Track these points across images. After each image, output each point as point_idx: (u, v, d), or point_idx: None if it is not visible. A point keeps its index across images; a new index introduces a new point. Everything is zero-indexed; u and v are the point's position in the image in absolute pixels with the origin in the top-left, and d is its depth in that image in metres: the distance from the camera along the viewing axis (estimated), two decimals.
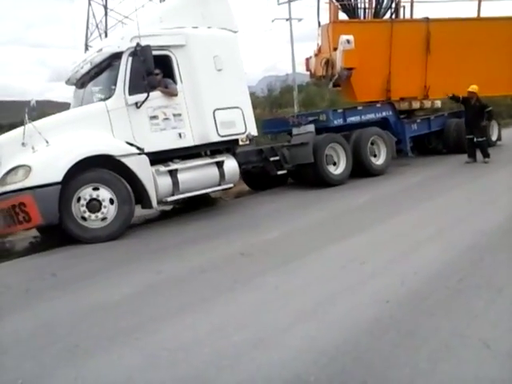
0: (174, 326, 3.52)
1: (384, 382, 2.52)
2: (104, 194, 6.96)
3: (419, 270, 4.15)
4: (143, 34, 7.33)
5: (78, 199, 6.82)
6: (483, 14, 13.06)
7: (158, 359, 3.03)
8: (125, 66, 7.50)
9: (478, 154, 11.09)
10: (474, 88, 10.99)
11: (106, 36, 47.09)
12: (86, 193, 6.86)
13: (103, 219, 6.96)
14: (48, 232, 7.47)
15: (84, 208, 6.84)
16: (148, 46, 7.29)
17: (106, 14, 46.16)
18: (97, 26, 46.97)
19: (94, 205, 6.89)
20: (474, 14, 13.04)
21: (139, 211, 8.93)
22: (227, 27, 8.58)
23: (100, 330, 3.61)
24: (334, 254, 4.95)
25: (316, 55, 12.52)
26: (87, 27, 47.18)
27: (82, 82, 8.65)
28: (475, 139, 11.00)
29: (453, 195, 7.58)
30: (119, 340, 3.39)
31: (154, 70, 7.43)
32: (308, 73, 13.47)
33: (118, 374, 2.92)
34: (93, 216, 6.89)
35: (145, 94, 7.41)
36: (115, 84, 7.52)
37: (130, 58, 7.50)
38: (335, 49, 11.23)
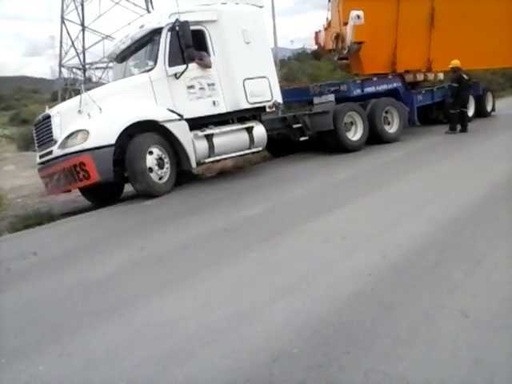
0: (158, 302, 3.53)
1: (366, 352, 2.57)
2: (159, 153, 7.78)
3: (400, 243, 4.20)
4: (180, 10, 8.03)
5: (150, 169, 7.58)
6: None
7: (142, 335, 3.05)
8: (164, 41, 8.22)
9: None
10: (455, 63, 11.45)
11: (82, 9, 45.95)
12: (151, 159, 7.63)
13: (164, 176, 7.81)
14: (88, 193, 8.50)
15: (160, 171, 7.72)
16: (186, 22, 8.05)
17: None
18: None
19: (160, 163, 7.76)
20: None
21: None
22: (254, 3, 9.26)
23: (84, 308, 3.61)
24: (315, 229, 4.98)
25: (326, 29, 12.89)
26: None
27: (122, 57, 9.39)
28: (455, 110, 11.64)
29: (436, 168, 7.66)
30: (104, 317, 3.39)
31: (192, 44, 8.12)
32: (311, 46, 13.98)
33: (103, 350, 2.93)
34: (165, 170, 7.82)
35: (183, 66, 8.18)
36: (156, 57, 8.26)
37: (169, 33, 8.21)
38: (345, 23, 11.50)
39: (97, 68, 46.98)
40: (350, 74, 15.71)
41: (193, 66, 8.29)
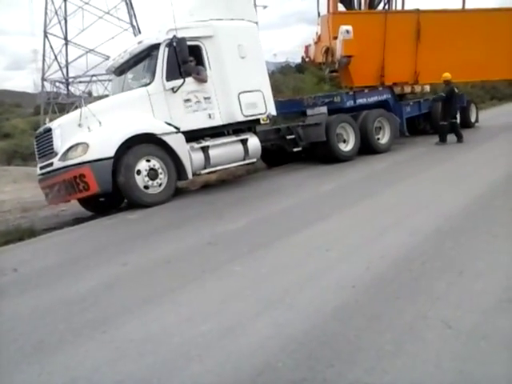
0: (142, 317, 3.49)
1: (351, 365, 2.56)
2: (156, 164, 8.04)
3: (384, 254, 4.22)
4: (178, 26, 8.29)
5: (138, 171, 7.85)
6: (468, 7, 14.26)
7: (125, 351, 3.00)
8: (162, 56, 8.47)
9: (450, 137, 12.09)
10: (445, 76, 11.96)
11: (65, 23, 45.86)
12: (144, 165, 7.91)
13: (159, 185, 8.05)
14: (88, 205, 8.75)
15: (147, 178, 7.91)
16: (183, 38, 8.31)
17: (65, 0, 44.87)
18: (56, 12, 45.68)
19: (152, 174, 7.97)
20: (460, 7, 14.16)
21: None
22: (248, 18, 9.59)
23: (65, 325, 3.54)
24: (299, 242, 4.98)
25: (315, 43, 13.36)
26: (46, 13, 45.83)
27: (120, 70, 9.71)
28: (445, 122, 12.03)
29: (420, 178, 7.80)
30: (85, 334, 3.33)
31: (188, 59, 8.44)
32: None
33: (85, 367, 2.88)
34: (154, 183, 7.98)
35: (180, 80, 8.43)
36: (154, 71, 8.50)
37: (167, 49, 8.46)
38: (335, 38, 11.93)
39: (80, 82, 46.79)
40: (334, 87, 16.06)
41: (189, 80, 8.54)
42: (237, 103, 9.00)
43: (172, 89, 8.42)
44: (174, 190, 8.36)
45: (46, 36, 46.12)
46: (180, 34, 8.31)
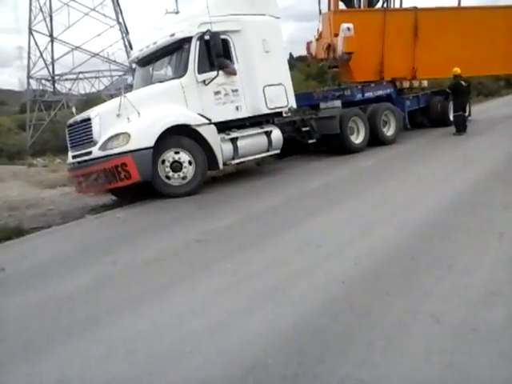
0: (132, 316, 3.48)
1: (341, 360, 2.58)
2: (184, 157, 8.21)
3: (373, 250, 4.25)
4: (209, 20, 8.48)
5: (163, 161, 8.08)
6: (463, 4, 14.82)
7: (116, 350, 2.99)
8: (194, 49, 8.73)
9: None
10: (455, 71, 12.36)
11: (50, 19, 45.29)
12: (170, 156, 8.13)
13: (183, 178, 8.20)
14: (121, 195, 8.86)
15: (168, 168, 8.11)
16: (217, 32, 8.59)
17: None
18: (41, 9, 45.05)
19: (176, 166, 8.16)
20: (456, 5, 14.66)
21: (91, 204, 8.75)
22: (271, 14, 9.83)
23: (55, 324, 3.52)
24: (289, 238, 4.99)
25: (317, 40, 13.77)
26: (30, 10, 45.19)
27: (145, 62, 9.94)
28: (458, 113, 12.63)
29: (408, 175, 7.88)
30: (75, 333, 3.31)
31: (222, 53, 8.66)
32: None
33: (75, 366, 2.87)
34: (175, 175, 8.16)
35: (212, 73, 8.68)
36: (186, 64, 8.73)
37: (198, 42, 8.73)
38: (336, 35, 12.32)
39: (66, 79, 46.28)
40: (322, 84, 16.22)
41: (220, 73, 8.79)
42: (262, 96, 9.30)
43: (203, 81, 8.66)
44: (202, 181, 8.52)
45: (30, 33, 45.43)
46: (211, 28, 8.52)
